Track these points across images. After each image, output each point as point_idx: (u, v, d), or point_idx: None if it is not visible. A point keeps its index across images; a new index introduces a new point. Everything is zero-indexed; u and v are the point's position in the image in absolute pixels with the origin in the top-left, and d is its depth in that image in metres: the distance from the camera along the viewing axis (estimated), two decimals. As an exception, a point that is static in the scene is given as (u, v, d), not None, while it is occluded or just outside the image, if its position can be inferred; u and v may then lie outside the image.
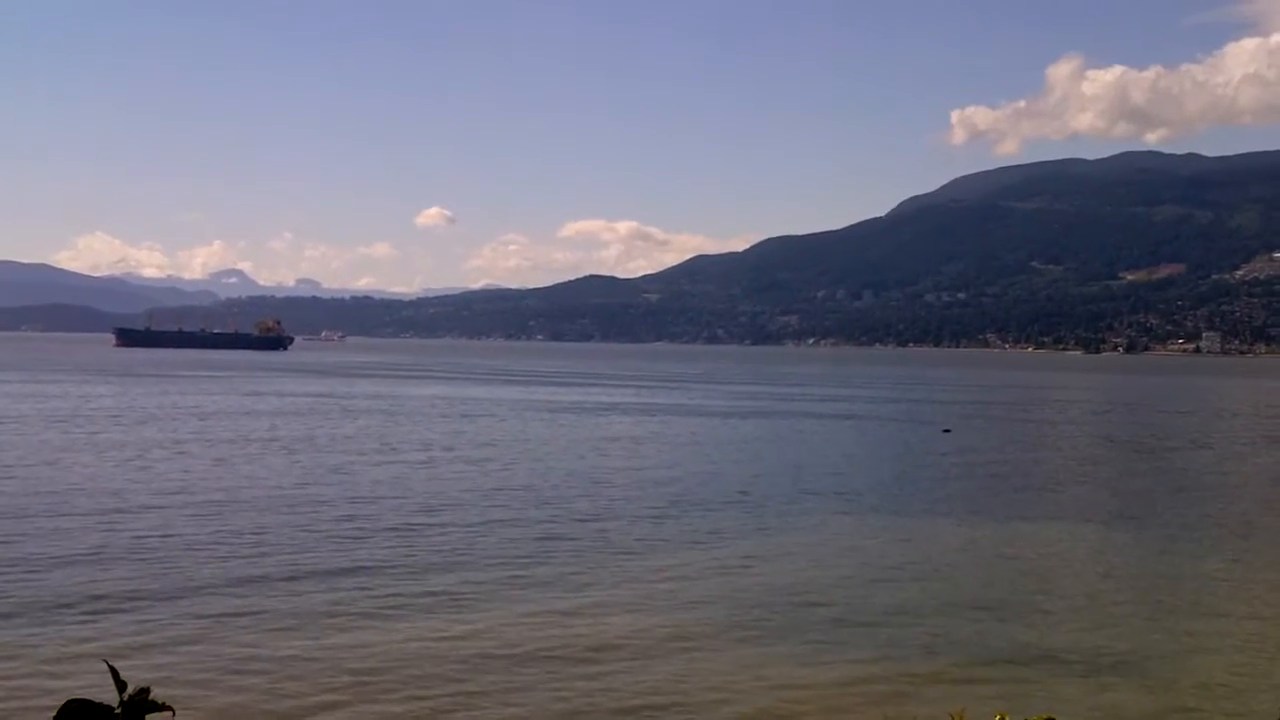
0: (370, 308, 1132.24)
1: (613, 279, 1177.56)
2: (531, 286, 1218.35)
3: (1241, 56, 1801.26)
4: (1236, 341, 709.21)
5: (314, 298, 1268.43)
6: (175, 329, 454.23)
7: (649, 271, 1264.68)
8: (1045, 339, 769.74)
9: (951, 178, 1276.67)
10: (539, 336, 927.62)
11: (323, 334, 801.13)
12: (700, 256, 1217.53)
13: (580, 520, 50.22)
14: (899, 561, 43.54)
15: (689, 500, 57.73)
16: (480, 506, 53.52)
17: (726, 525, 50.36)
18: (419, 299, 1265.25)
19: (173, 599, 34.27)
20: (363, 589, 36.15)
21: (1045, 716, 5.40)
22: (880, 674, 29.16)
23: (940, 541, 48.28)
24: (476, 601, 34.95)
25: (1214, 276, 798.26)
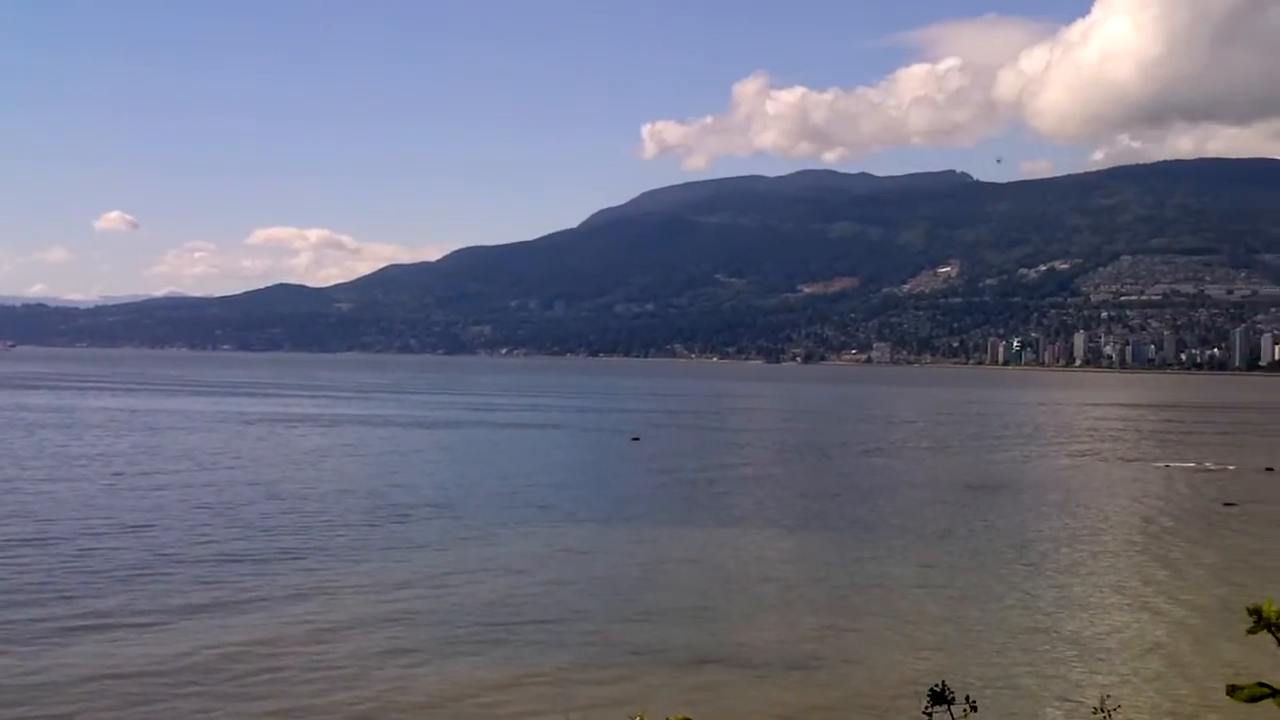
0: (43, 316, 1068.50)
1: (303, 287, 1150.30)
2: (218, 295, 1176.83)
3: (912, 82, 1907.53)
4: (904, 351, 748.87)
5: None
6: None
7: (341, 280, 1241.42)
8: (729, 349, 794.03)
9: (641, 191, 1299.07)
10: (226, 346, 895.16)
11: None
12: (393, 266, 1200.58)
13: (276, 538, 49.55)
14: (589, 569, 45.07)
15: (386, 514, 57.78)
16: (171, 526, 52.02)
17: (424, 538, 50.79)
18: (97, 307, 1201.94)
19: None
20: (36, 617, 35.09)
21: (680, 718, 5.50)
22: (568, 678, 30.34)
23: (630, 548, 50.08)
24: (170, 627, 34.34)
25: (884, 290, 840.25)
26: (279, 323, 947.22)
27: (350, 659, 31.36)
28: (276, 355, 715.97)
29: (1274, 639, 3.82)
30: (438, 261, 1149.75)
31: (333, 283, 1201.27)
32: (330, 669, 30.53)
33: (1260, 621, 3.78)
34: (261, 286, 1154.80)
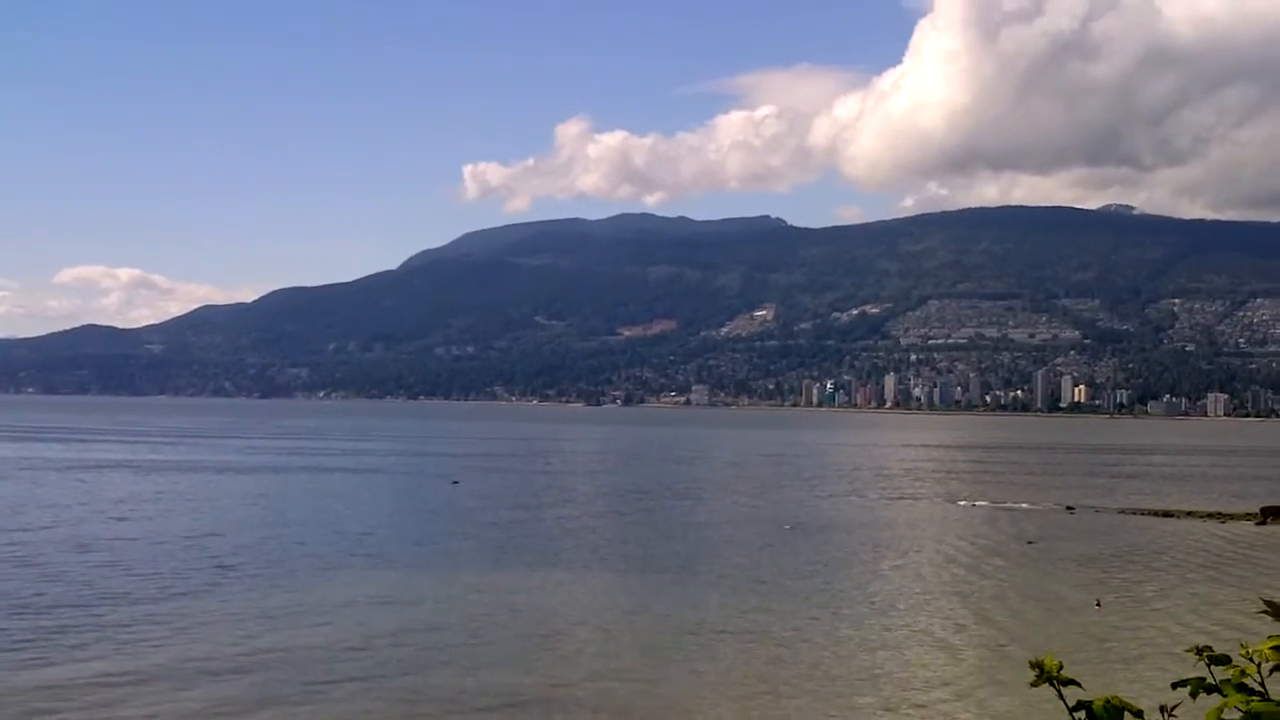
0: None
1: (112, 329, 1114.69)
2: (22, 336, 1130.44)
3: (730, 128, 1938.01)
4: (722, 394, 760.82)
5: None
6: None
7: (152, 321, 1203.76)
8: (549, 392, 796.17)
9: (463, 232, 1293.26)
10: (30, 389, 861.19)
11: None
12: (207, 306, 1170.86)
13: (84, 603, 47.72)
14: (408, 618, 44.86)
15: (203, 568, 56.37)
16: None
17: (240, 593, 49.83)
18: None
19: None
20: None
21: None
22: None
23: (449, 595, 50.06)
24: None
25: (702, 333, 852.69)
26: (87, 364, 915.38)
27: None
28: (84, 399, 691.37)
29: (1056, 691, 3.97)
30: (254, 302, 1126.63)
31: (144, 323, 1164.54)
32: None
33: (1042, 675, 3.97)
34: (69, 327, 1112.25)
